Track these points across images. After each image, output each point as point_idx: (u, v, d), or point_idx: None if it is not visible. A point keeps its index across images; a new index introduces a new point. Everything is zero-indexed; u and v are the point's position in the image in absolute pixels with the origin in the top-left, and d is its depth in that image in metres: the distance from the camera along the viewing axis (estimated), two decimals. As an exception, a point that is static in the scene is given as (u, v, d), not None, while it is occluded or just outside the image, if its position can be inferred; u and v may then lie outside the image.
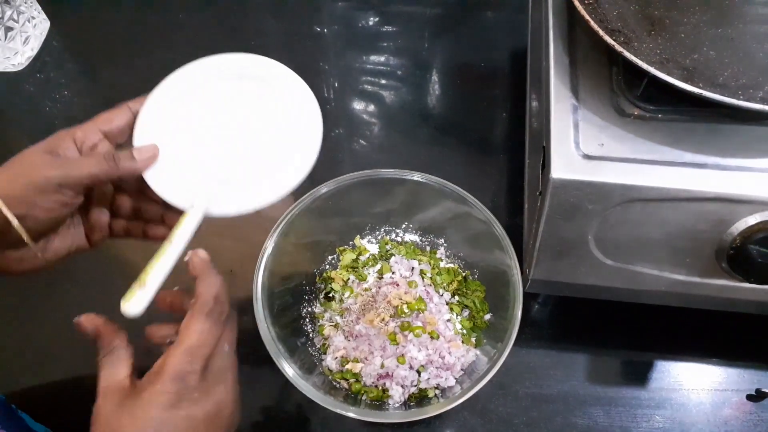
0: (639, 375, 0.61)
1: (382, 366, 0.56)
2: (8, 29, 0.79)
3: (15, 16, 0.79)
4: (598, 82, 0.54)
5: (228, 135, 0.50)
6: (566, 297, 0.63)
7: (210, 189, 0.48)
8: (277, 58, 0.90)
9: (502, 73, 0.86)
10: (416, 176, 0.59)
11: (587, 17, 0.51)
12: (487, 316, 0.59)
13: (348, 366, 0.57)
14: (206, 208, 0.47)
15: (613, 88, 0.54)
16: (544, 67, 0.57)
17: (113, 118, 0.49)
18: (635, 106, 0.52)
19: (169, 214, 0.51)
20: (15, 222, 0.44)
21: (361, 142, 0.81)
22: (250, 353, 0.60)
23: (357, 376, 0.57)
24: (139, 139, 0.49)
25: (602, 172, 0.49)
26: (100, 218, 0.51)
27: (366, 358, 0.57)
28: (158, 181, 0.48)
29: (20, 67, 0.84)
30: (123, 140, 0.50)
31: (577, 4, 0.52)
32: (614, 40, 0.49)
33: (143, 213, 0.52)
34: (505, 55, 0.88)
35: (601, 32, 0.50)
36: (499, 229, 0.57)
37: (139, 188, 0.51)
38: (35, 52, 0.85)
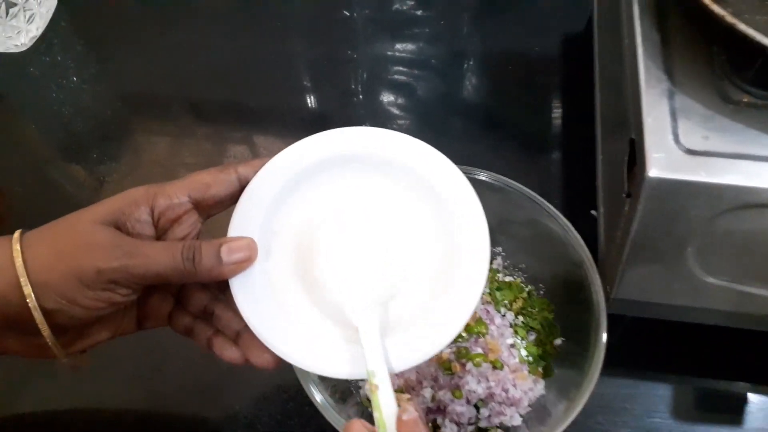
0: (735, 411, 0.52)
1: (434, 399, 0.47)
2: (10, 5, 0.72)
3: (18, -8, 0.72)
4: (696, 62, 0.45)
5: (365, 249, 0.37)
6: (645, 317, 0.54)
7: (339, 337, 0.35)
8: (301, 45, 0.83)
9: (553, 61, 0.77)
10: (475, 174, 0.50)
11: (689, -16, 0.42)
12: (558, 341, 0.51)
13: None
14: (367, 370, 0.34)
15: (715, 70, 0.45)
16: (626, 47, 0.48)
17: (212, 185, 0.36)
18: (744, 92, 0.43)
19: (248, 337, 0.37)
20: (39, 318, 0.33)
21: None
22: (276, 374, 0.53)
23: (402, 409, 0.48)
24: (238, 224, 0.37)
25: (710, 170, 0.40)
26: (161, 307, 0.39)
27: (413, 389, 0.48)
28: (249, 300, 0.36)
29: (24, 48, 0.77)
30: (218, 212, 0.38)
31: (676, -33, 0.43)
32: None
33: (215, 319, 0.39)
34: (555, 41, 0.79)
35: (707, 1, 0.41)
36: (576, 238, 0.48)
37: (219, 285, 0.38)
38: (40, 31, 0.78)
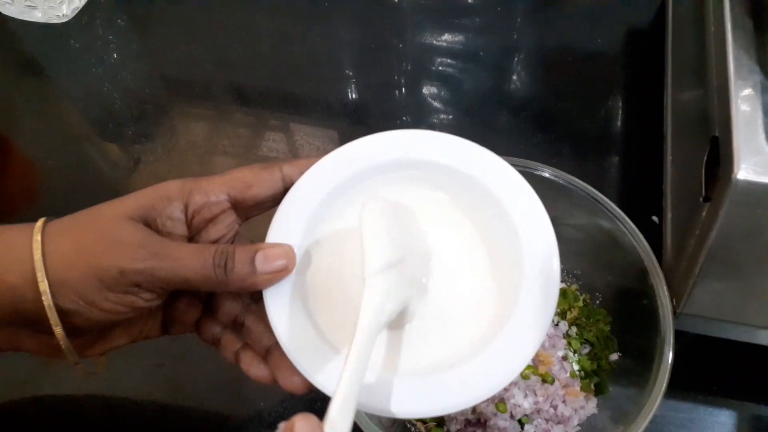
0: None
1: (474, 411, 0.43)
2: (53, -27, 0.71)
3: (62, -40, 0.71)
4: (793, 54, 0.40)
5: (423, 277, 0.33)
6: (712, 335, 0.49)
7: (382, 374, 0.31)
8: (345, 31, 0.79)
9: (616, 55, 0.73)
10: (529, 167, 0.46)
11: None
12: (614, 356, 0.46)
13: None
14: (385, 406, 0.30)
15: (815, 63, 0.40)
16: (712, 35, 0.43)
17: (254, 184, 0.33)
18: None
19: (278, 356, 0.33)
20: (54, 318, 0.30)
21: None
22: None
23: (439, 420, 0.45)
24: (278, 230, 0.33)
25: (809, 175, 0.35)
26: (188, 313, 0.36)
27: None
28: (283, 315, 0.32)
29: (65, 19, 0.75)
30: (257, 214, 0.35)
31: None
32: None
33: (245, 331, 0.36)
34: (619, 34, 0.75)
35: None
36: (642, 244, 0.43)
37: (253, 294, 0.35)
38: (83, 3, 0.76)
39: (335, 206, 0.35)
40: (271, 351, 0.34)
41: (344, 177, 0.35)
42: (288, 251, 0.32)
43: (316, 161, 0.35)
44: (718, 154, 0.38)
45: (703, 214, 0.39)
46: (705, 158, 0.41)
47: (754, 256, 0.38)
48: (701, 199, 0.40)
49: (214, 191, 0.33)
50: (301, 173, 0.35)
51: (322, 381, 0.31)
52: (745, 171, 0.35)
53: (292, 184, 0.34)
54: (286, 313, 0.32)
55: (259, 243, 0.33)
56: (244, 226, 0.36)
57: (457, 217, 0.35)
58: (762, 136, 0.37)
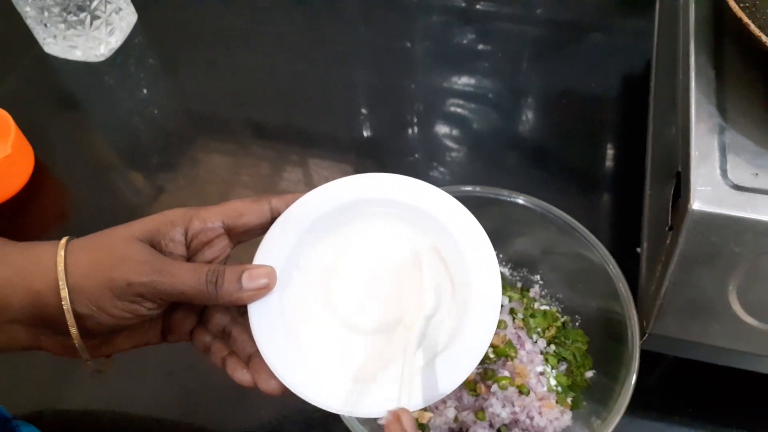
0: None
1: (456, 420, 0.47)
2: (95, 17, 0.77)
3: (102, 6, 0.77)
4: (750, 99, 0.44)
5: (388, 287, 0.39)
6: (687, 358, 0.52)
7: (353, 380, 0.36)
8: (360, 72, 0.83)
9: (611, 100, 0.77)
10: (519, 199, 0.50)
11: (746, 20, 0.42)
12: (589, 374, 0.49)
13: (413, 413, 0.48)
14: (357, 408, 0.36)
15: (771, 108, 0.44)
16: (680, 82, 0.48)
17: (245, 213, 0.39)
18: (799, 133, 0.42)
19: (258, 362, 0.38)
20: (71, 320, 0.35)
21: (441, 169, 0.73)
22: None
23: (423, 428, 0.48)
24: (264, 254, 0.38)
25: (757, 207, 0.39)
26: (184, 323, 0.41)
27: (437, 407, 0.48)
28: (263, 326, 0.37)
29: (102, 59, 0.81)
30: (248, 240, 0.41)
31: (733, 4, 0.43)
32: (781, 48, 0.40)
33: (231, 340, 0.40)
34: (614, 81, 0.79)
35: (764, 38, 0.41)
36: (615, 269, 0.47)
37: (239, 308, 0.41)
38: (119, 44, 0.82)
39: (315, 235, 0.39)
40: (252, 358, 0.39)
41: (324, 210, 0.40)
42: (270, 271, 0.37)
43: (301, 196, 0.40)
44: (680, 187, 0.42)
45: (668, 242, 0.43)
46: (672, 191, 0.44)
47: (711, 280, 0.41)
48: (667, 229, 0.44)
49: (211, 219, 0.38)
50: (288, 206, 0.40)
51: (294, 384, 0.36)
52: (699, 202, 0.39)
53: (279, 214, 0.39)
54: (266, 325, 0.37)
55: (246, 264, 0.38)
56: (236, 249, 0.41)
57: (421, 244, 0.40)
58: (717, 171, 0.41)
